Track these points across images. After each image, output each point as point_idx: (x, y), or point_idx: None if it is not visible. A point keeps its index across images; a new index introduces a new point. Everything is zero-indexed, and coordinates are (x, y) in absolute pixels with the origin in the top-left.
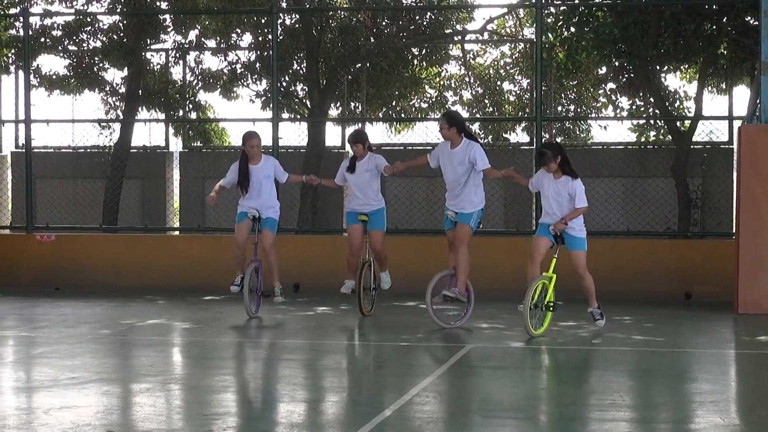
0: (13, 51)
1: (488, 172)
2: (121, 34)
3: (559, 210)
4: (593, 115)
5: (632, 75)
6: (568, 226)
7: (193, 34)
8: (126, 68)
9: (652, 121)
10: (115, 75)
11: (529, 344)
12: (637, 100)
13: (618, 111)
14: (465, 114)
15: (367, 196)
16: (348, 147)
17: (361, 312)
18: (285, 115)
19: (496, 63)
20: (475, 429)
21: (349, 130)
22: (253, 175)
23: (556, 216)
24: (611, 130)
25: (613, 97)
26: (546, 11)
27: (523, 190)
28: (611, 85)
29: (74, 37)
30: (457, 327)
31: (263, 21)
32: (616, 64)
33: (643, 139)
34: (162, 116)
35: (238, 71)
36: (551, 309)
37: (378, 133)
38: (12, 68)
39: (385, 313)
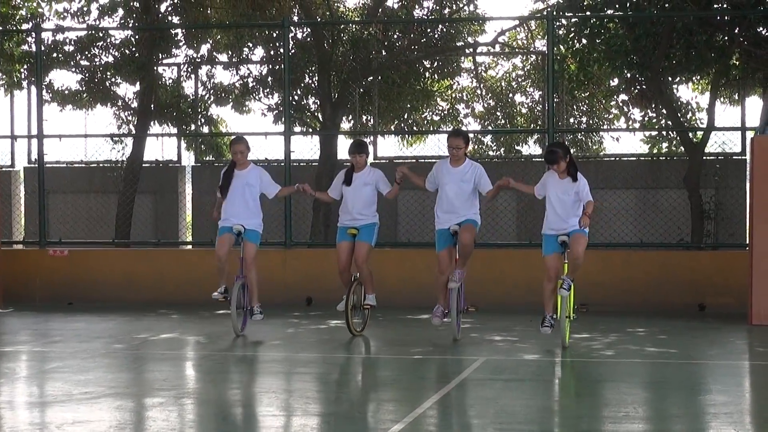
0: (25, 66)
1: (490, 194)
2: (133, 49)
3: (563, 211)
4: (605, 127)
5: (644, 86)
6: (578, 227)
7: (204, 49)
8: (138, 83)
9: (664, 133)
10: (127, 90)
11: (543, 356)
12: (649, 111)
13: (630, 122)
14: (477, 126)
15: (361, 211)
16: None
17: (350, 331)
18: (297, 129)
19: (507, 75)
20: None
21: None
22: (236, 180)
23: (560, 220)
24: (623, 141)
25: (625, 109)
26: (557, 23)
27: (536, 202)
28: (623, 97)
29: (86, 52)
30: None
31: (275, 35)
32: (628, 75)
33: (655, 151)
34: (174, 130)
35: (250, 85)
36: (573, 319)
37: (390, 146)
38: (24, 84)
39: (398, 326)
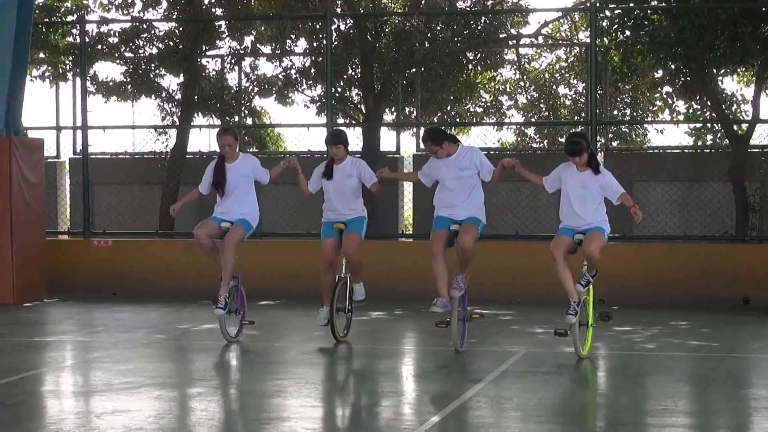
0: (70, 58)
1: (496, 175)
2: (177, 41)
3: (582, 208)
4: (649, 119)
5: (688, 78)
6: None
7: (248, 40)
8: (182, 74)
9: (708, 125)
10: (171, 81)
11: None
12: (693, 103)
13: (674, 115)
14: (520, 118)
15: (345, 205)
16: (403, 151)
17: (334, 337)
18: (340, 121)
19: (551, 67)
20: None
21: (405, 135)
22: (229, 174)
23: (577, 216)
24: (667, 133)
25: (669, 101)
26: (601, 15)
27: None
28: (667, 89)
29: (130, 44)
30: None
31: (318, 26)
32: (672, 67)
33: (699, 143)
34: (218, 122)
35: (293, 77)
36: (594, 325)
37: None
38: (70, 75)
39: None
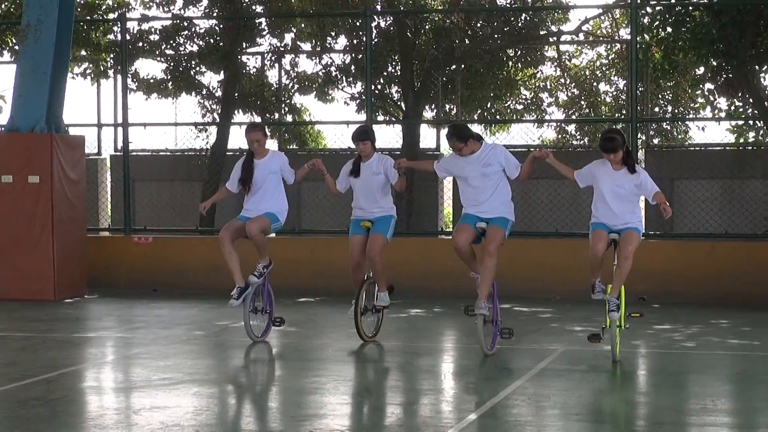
0: (111, 56)
1: (525, 170)
2: (218, 38)
3: (618, 207)
4: (691, 116)
5: (730, 75)
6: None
7: (288, 38)
8: (222, 72)
9: (750, 122)
10: (211, 78)
11: (623, 347)
12: (735, 100)
13: (716, 112)
14: (561, 115)
15: (373, 204)
16: (444, 147)
17: (360, 336)
18: (380, 118)
19: (592, 64)
20: None
21: (445, 132)
22: (258, 171)
23: (613, 215)
24: (709, 131)
25: (711, 98)
26: (642, 11)
27: None
28: (709, 86)
29: (171, 42)
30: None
31: (358, 24)
32: (714, 64)
33: (741, 140)
34: (258, 119)
35: (333, 74)
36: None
37: None
38: (111, 73)
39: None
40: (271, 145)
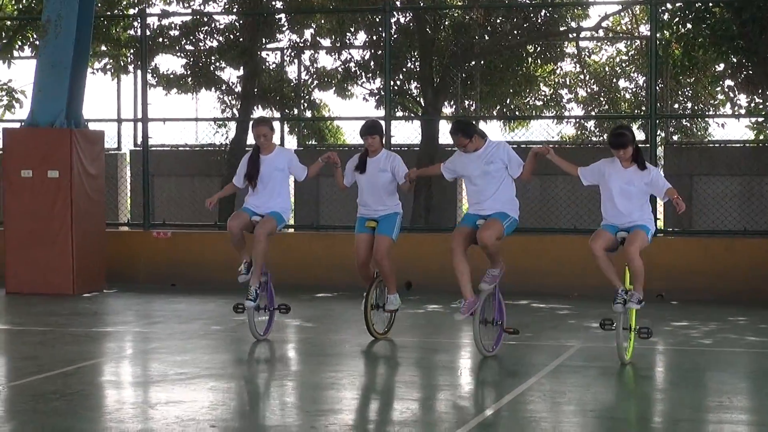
0: (131, 51)
1: (527, 169)
2: (237, 34)
3: (625, 206)
4: (710, 113)
5: (751, 72)
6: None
7: (308, 33)
8: (242, 67)
9: None
10: (231, 74)
11: (640, 344)
12: (755, 97)
13: (736, 108)
14: (580, 112)
15: (378, 202)
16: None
17: (371, 334)
18: (398, 114)
19: (611, 60)
20: (582, 429)
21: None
22: (264, 167)
23: (621, 214)
24: (728, 127)
25: (731, 95)
26: (662, 8)
27: None
28: (729, 82)
29: (191, 37)
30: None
31: (377, 19)
32: (734, 60)
33: (761, 137)
34: (277, 115)
35: (352, 70)
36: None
37: (492, 131)
38: (131, 68)
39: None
40: (291, 141)
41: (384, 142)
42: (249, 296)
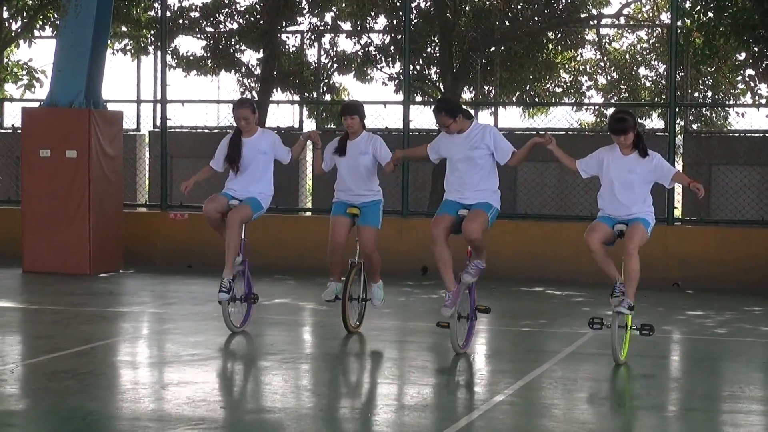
0: (151, 32)
1: (517, 159)
2: (258, 16)
3: (627, 196)
4: (730, 102)
5: None
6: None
7: (328, 17)
8: (262, 50)
9: None
10: (250, 56)
11: (655, 333)
12: None
13: (756, 98)
14: (600, 99)
15: (360, 185)
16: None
17: (346, 327)
18: (417, 99)
19: (632, 48)
20: (594, 417)
21: (483, 114)
22: (246, 149)
23: (621, 205)
24: (749, 117)
25: (752, 84)
26: None
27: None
28: (750, 72)
29: (211, 19)
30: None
31: (397, 4)
32: (755, 50)
33: None
34: (296, 98)
35: (372, 54)
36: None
37: (511, 117)
38: (151, 49)
39: (509, 298)
40: (310, 124)
41: (365, 123)
42: (222, 288)
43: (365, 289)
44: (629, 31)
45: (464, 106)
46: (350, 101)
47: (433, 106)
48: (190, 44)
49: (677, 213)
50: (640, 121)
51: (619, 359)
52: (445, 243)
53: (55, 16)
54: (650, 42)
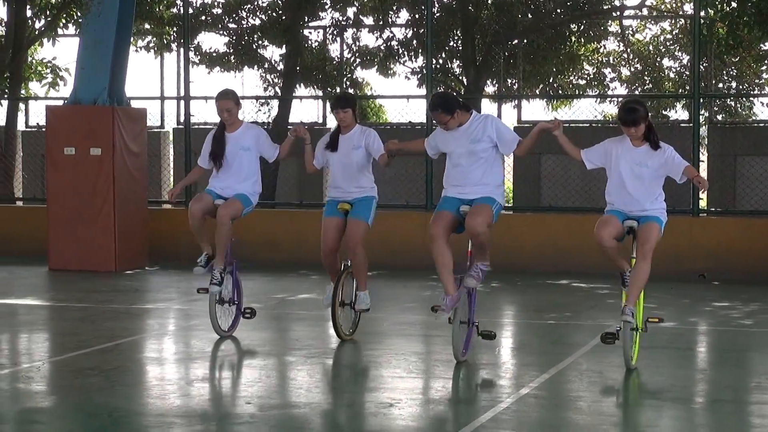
0: (174, 29)
1: (524, 149)
2: (280, 12)
3: (637, 190)
4: (755, 92)
5: None
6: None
7: (350, 12)
8: (284, 46)
9: None
10: (273, 52)
11: (679, 324)
12: None
13: None
14: (624, 91)
15: (351, 182)
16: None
17: (337, 335)
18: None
19: (655, 39)
20: (620, 409)
21: (506, 107)
22: (229, 145)
23: (631, 199)
24: None
25: None
26: None
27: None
28: None
29: (234, 15)
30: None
31: None
32: None
33: None
34: (319, 93)
35: (395, 48)
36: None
37: (535, 110)
38: (174, 46)
39: (534, 291)
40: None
41: (357, 117)
42: (213, 280)
43: (357, 297)
44: (652, 22)
45: (460, 99)
46: (342, 93)
47: (428, 103)
48: (212, 41)
49: (702, 204)
50: (664, 112)
51: (630, 364)
52: (445, 244)
53: (78, 14)
54: (673, 33)
